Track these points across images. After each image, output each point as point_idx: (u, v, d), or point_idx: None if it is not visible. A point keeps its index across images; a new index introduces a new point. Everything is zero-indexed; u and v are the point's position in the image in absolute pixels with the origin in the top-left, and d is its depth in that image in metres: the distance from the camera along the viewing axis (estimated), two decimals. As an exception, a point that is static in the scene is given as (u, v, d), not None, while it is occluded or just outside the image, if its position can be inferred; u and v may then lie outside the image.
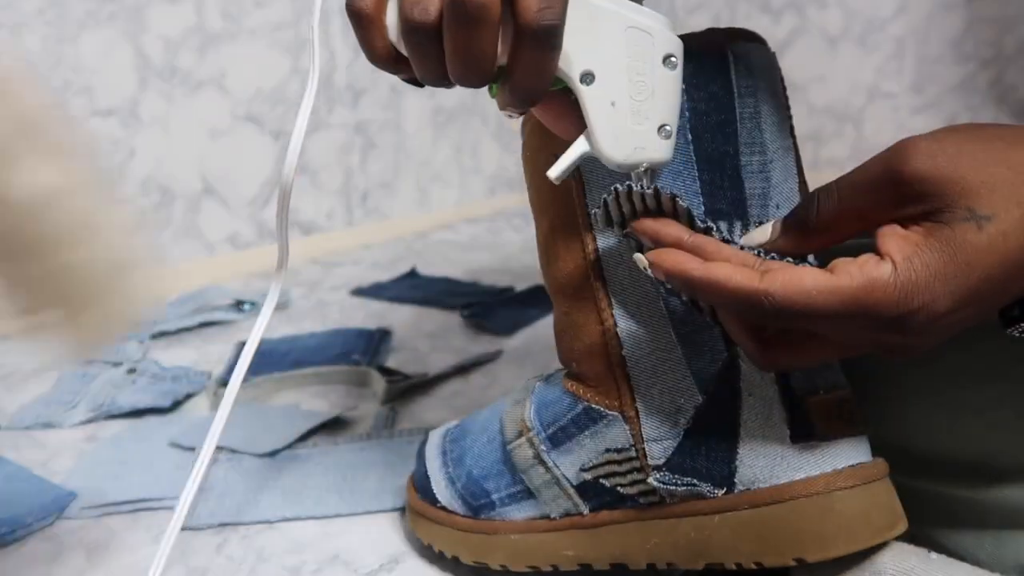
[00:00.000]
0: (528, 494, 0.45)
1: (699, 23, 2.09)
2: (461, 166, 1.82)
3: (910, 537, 0.41)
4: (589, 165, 0.40)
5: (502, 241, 1.58)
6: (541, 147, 0.42)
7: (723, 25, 0.43)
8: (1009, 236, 0.29)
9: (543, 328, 0.99)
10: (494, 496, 0.46)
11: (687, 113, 0.38)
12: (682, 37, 0.38)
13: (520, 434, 0.44)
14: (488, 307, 1.05)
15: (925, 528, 0.41)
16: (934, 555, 0.38)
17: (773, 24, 1.99)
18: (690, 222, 0.35)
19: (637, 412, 0.40)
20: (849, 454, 0.37)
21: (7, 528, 0.56)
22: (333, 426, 0.71)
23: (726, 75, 0.38)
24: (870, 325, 0.30)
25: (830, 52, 1.93)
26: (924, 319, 0.30)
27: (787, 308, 0.30)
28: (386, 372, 0.81)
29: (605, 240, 0.40)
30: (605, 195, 0.37)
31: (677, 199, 0.34)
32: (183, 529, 0.56)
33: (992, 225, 0.29)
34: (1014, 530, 0.38)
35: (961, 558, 0.39)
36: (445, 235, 1.66)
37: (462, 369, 0.85)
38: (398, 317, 1.06)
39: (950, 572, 0.37)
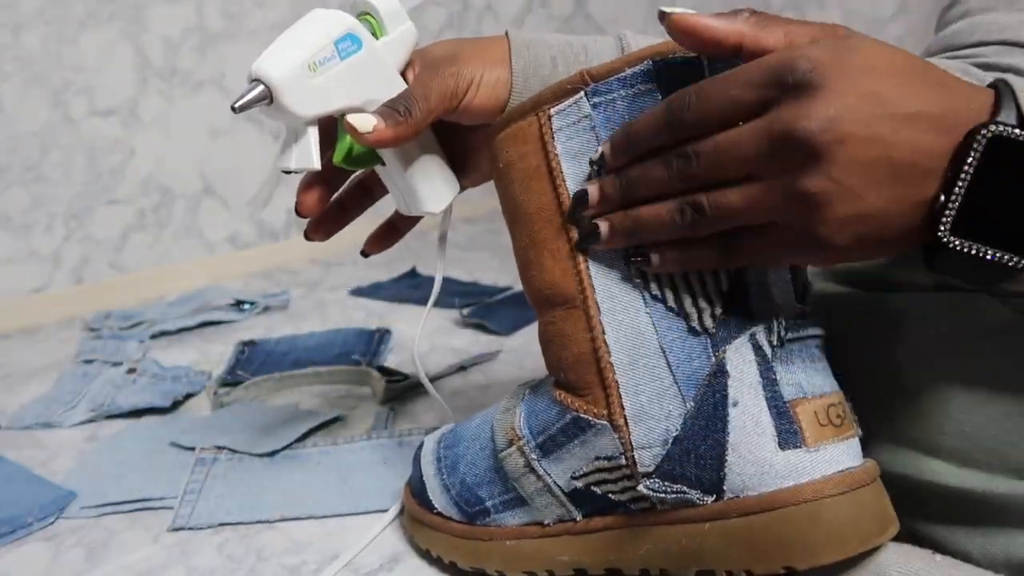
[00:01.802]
0: (521, 501, 0.45)
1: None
2: (461, 166, 1.82)
3: (912, 537, 0.41)
4: (572, 173, 0.40)
5: (502, 241, 1.58)
6: (515, 159, 0.42)
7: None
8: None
9: (543, 328, 0.99)
10: (488, 503, 0.46)
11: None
12: (611, 63, 0.38)
13: (511, 443, 0.44)
14: (488, 307, 1.05)
15: (918, 522, 0.41)
16: (939, 557, 0.38)
17: (773, 24, 1.98)
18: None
19: (626, 420, 0.40)
20: (837, 460, 0.37)
21: (7, 528, 0.56)
22: (333, 426, 0.72)
23: (654, 98, 0.38)
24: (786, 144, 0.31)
25: (830, 52, 1.92)
26: (838, 119, 0.31)
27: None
28: (386, 372, 0.81)
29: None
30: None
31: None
32: (183, 529, 0.56)
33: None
34: (1004, 527, 0.38)
35: (953, 553, 0.39)
36: (445, 235, 1.66)
37: (462, 369, 0.85)
38: (398, 317, 1.06)
39: (954, 575, 0.37)
